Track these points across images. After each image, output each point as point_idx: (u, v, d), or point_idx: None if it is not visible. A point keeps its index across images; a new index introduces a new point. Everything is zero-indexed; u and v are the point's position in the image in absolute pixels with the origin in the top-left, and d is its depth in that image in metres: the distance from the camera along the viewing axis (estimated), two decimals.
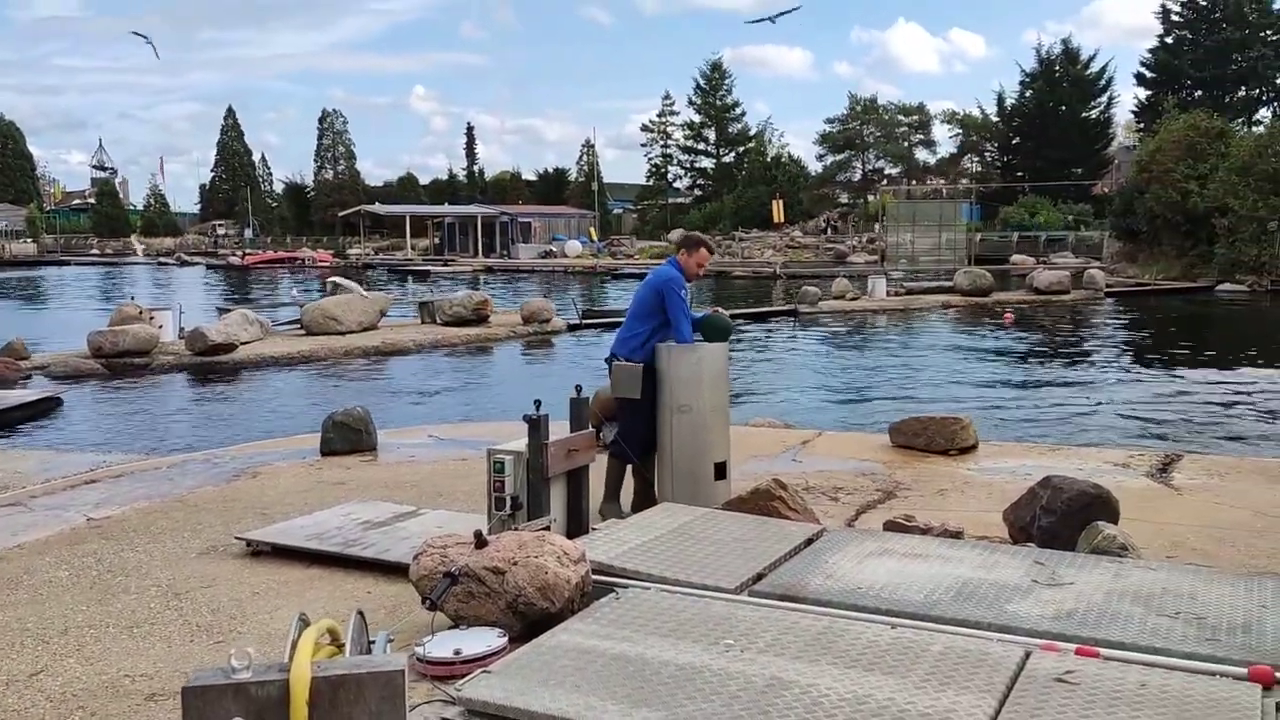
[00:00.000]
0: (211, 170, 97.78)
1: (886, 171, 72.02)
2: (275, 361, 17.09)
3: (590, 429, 5.77)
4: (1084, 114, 60.07)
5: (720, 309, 6.69)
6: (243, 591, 5.08)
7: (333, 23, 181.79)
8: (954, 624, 3.71)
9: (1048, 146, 58.24)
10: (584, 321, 22.88)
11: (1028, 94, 61.13)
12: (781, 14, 57.33)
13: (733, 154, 77.53)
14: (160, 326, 17.55)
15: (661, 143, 79.60)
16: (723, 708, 3.01)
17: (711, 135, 78.40)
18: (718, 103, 77.81)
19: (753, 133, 77.02)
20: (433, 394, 14.90)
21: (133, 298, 24.07)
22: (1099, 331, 23.71)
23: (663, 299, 6.22)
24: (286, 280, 43.49)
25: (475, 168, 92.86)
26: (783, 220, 57.57)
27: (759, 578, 4.31)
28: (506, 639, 3.94)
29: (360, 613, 3.17)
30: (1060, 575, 4.23)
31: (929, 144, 72.00)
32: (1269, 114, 54.02)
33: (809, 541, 4.83)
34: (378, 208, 70.40)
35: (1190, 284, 33.75)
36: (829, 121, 72.32)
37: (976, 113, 67.02)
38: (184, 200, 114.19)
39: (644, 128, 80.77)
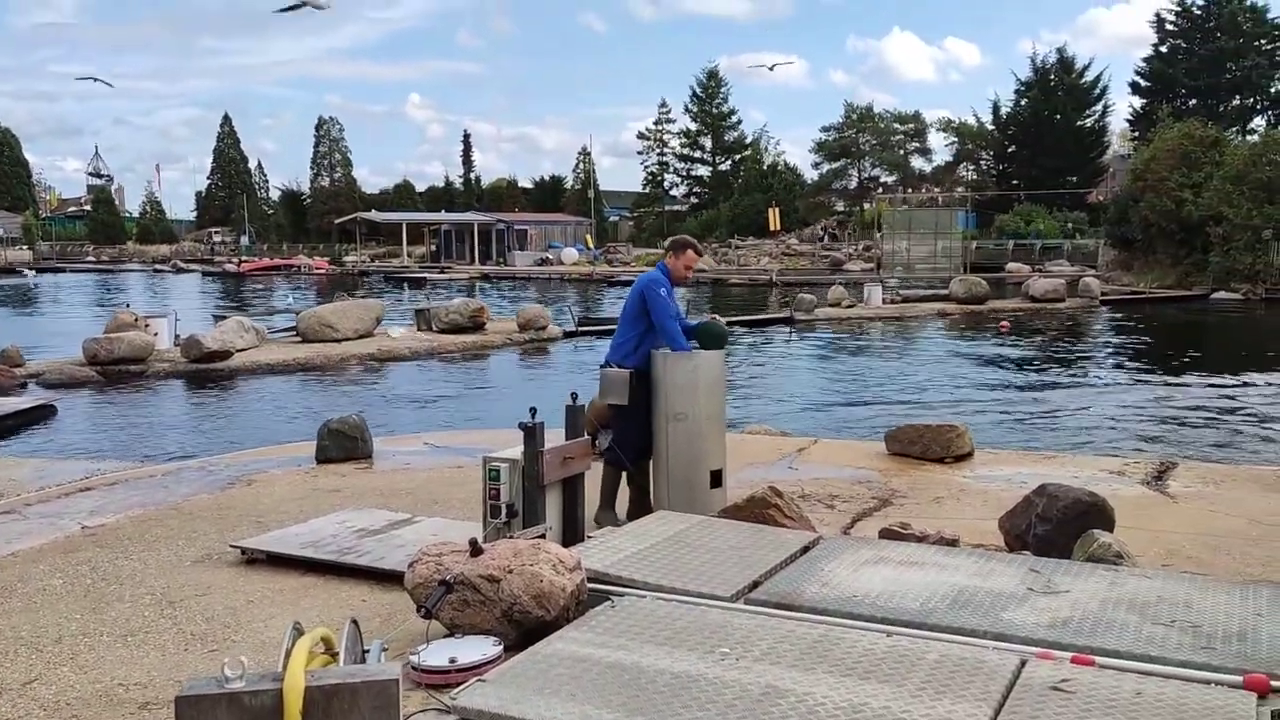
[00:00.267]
0: (208, 177, 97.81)
1: (882, 179, 72.22)
2: (271, 369, 17.08)
3: (586, 436, 5.77)
4: (1079, 122, 60.30)
5: (717, 316, 6.70)
6: (237, 600, 5.07)
7: (330, 30, 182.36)
8: (950, 632, 3.71)
9: (1043, 155, 58.42)
10: (580, 329, 22.89)
11: (1023, 102, 61.34)
12: (776, 65, 61.33)
13: (729, 162, 77.67)
14: (156, 334, 17.53)
15: (658, 150, 79.76)
16: (718, 716, 3.01)
17: (708, 143, 78.53)
18: (714, 111, 77.94)
19: (749, 141, 77.20)
20: (428, 401, 14.89)
21: (128, 305, 24.00)
22: (1094, 339, 23.76)
23: (646, 302, 6.22)
24: (283, 288, 43.44)
25: (472, 175, 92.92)
26: (779, 228, 57.60)
27: (755, 586, 4.30)
28: (502, 647, 3.93)
29: (354, 621, 3.16)
30: (1056, 583, 4.23)
31: (925, 152, 72.27)
32: (1263, 123, 54.19)
33: (805, 549, 4.82)
34: (374, 215, 70.41)
35: (1185, 292, 33.85)
36: (825, 129, 72.55)
37: (972, 121, 67.32)
38: (180, 207, 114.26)
39: (640, 135, 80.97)
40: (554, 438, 5.39)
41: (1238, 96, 56.30)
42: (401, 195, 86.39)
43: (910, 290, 33.51)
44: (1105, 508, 5.34)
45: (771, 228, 57.30)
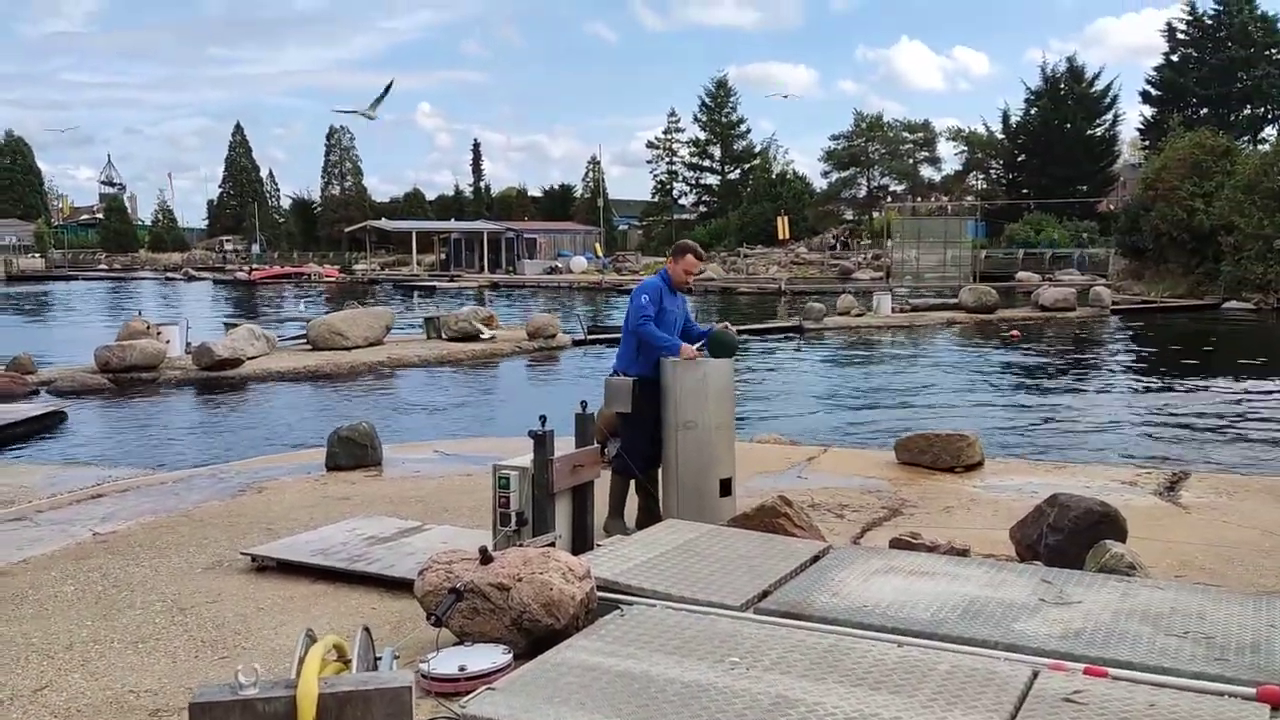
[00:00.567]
0: (219, 186, 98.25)
1: (892, 188, 72.21)
2: (281, 376, 17.12)
3: (595, 445, 5.77)
4: (1089, 131, 60.25)
5: (727, 325, 6.69)
6: (248, 607, 5.07)
7: (340, 40, 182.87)
8: (961, 643, 3.70)
9: (1053, 164, 58.37)
10: (589, 337, 22.91)
11: (1033, 111, 61.33)
12: (789, 95, 63.19)
13: (738, 171, 77.77)
14: (167, 341, 17.58)
15: (667, 160, 79.89)
16: None
17: (717, 152, 78.65)
18: (723, 120, 78.07)
19: (757, 150, 77.30)
20: (438, 409, 14.92)
21: (140, 313, 24.12)
22: (1105, 349, 23.68)
23: None
24: (293, 295, 43.57)
25: (481, 184, 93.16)
26: (788, 237, 57.62)
27: (764, 595, 4.29)
28: (511, 656, 3.93)
29: (366, 629, 3.16)
30: (1068, 594, 4.21)
31: (934, 161, 72.34)
32: (1274, 132, 54.15)
33: (815, 559, 4.81)
34: (384, 223, 70.64)
35: (1196, 301, 33.72)
36: (834, 138, 72.71)
37: (981, 130, 67.29)
38: (192, 216, 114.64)
39: (649, 145, 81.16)
40: (564, 446, 5.40)
41: (1248, 106, 56.19)
42: (411, 204, 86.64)
43: (920, 299, 33.42)
44: (1118, 518, 5.32)
45: (780, 236, 57.33)
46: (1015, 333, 24.82)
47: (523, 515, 5.13)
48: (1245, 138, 51.38)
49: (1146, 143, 56.71)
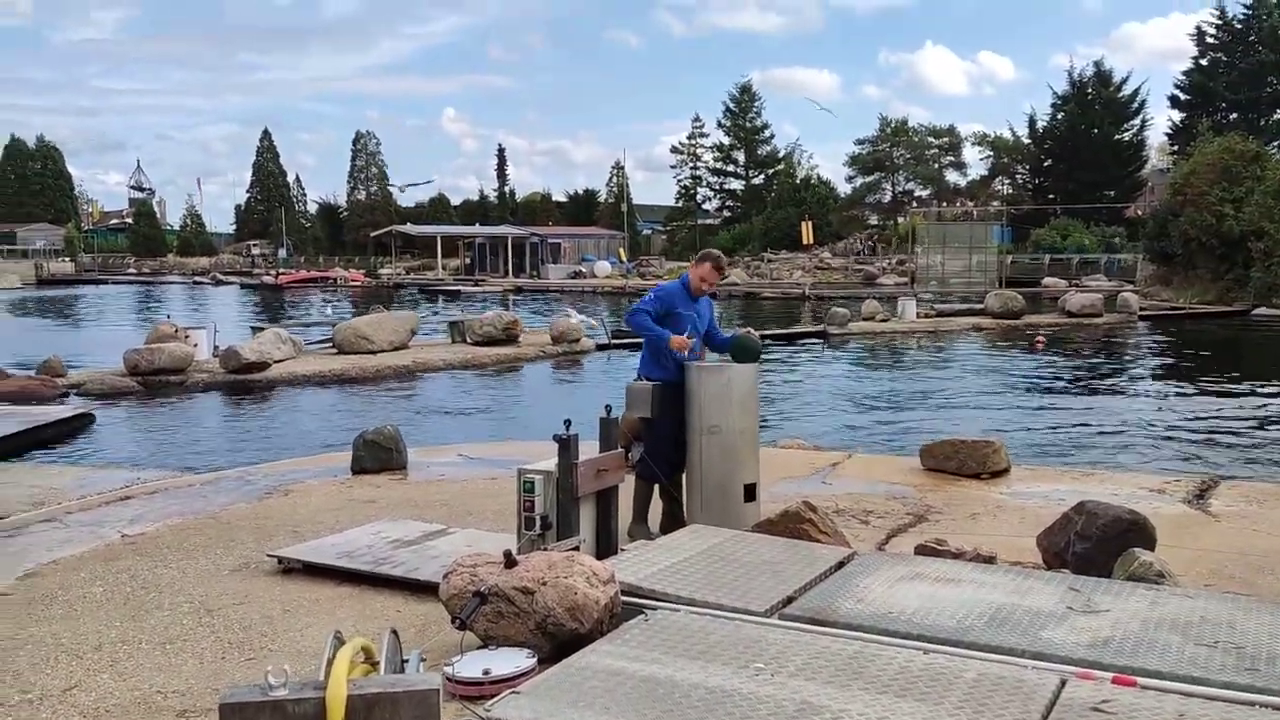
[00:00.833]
0: (247, 191, 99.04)
1: (916, 193, 71.86)
2: (307, 380, 17.23)
3: (620, 449, 5.78)
4: (1117, 136, 59.70)
5: (750, 330, 6.70)
6: (274, 609, 5.11)
7: (367, 46, 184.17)
8: (987, 650, 3.67)
9: (1080, 169, 57.89)
10: (613, 342, 22.92)
11: (1059, 116, 60.85)
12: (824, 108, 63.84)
13: (762, 176, 77.65)
14: (195, 345, 17.74)
15: (691, 165, 79.92)
16: None
17: (741, 157, 78.58)
18: (747, 125, 78.00)
19: (782, 154, 77.15)
20: (462, 413, 14.97)
21: (169, 316, 24.35)
22: (1132, 355, 23.47)
23: None
24: (319, 300, 43.86)
25: (506, 189, 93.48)
26: (812, 242, 57.46)
27: (789, 601, 4.28)
28: (535, 660, 3.94)
29: (394, 631, 3.18)
30: (1096, 602, 4.17)
31: (959, 166, 71.83)
32: None
33: (840, 565, 4.79)
34: (409, 228, 70.97)
35: (1226, 308, 33.33)
36: (859, 143, 72.38)
37: (1007, 135, 66.85)
38: (220, 220, 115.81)
39: (673, 149, 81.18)
40: (588, 450, 5.41)
41: (1279, 110, 55.50)
42: (437, 209, 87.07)
43: (945, 305, 33.26)
44: (1146, 526, 5.27)
45: (804, 241, 57.16)
46: (1041, 339, 24.63)
47: (547, 519, 5.14)
48: (1275, 143, 50.69)
49: (1175, 147, 56.09)
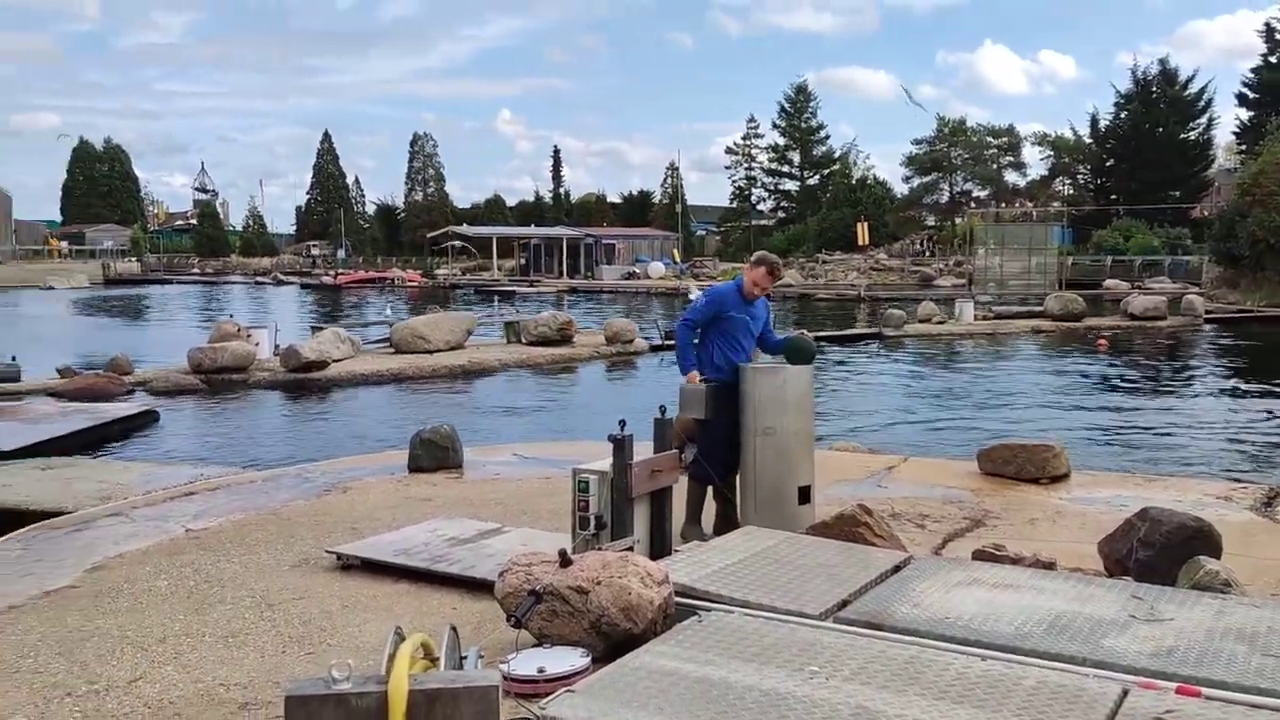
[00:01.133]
0: (307, 192, 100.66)
1: (974, 194, 70.93)
2: (365, 379, 17.46)
3: (674, 450, 5.78)
4: (1182, 135, 58.42)
5: (804, 332, 6.66)
6: (333, 604, 5.19)
7: (424, 50, 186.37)
8: (1047, 658, 3.62)
9: (1143, 168, 56.73)
10: (666, 342, 22.90)
11: (1123, 115, 59.72)
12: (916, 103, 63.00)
13: (817, 176, 77.19)
14: (257, 344, 18.06)
15: (745, 165, 79.72)
16: None
17: (796, 158, 78.19)
18: (802, 125, 77.60)
19: (837, 155, 76.62)
20: (517, 413, 15.07)
21: (231, 316, 24.84)
22: (1198, 359, 22.94)
23: None
24: (378, 299, 44.42)
25: (561, 190, 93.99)
26: (867, 243, 56.99)
27: (844, 604, 4.25)
28: (590, 659, 3.96)
29: (453, 628, 3.22)
30: (1159, 611, 4.09)
31: (1019, 166, 70.82)
32: None
33: (896, 569, 4.75)
34: (465, 229, 71.65)
35: None
36: (916, 143, 71.70)
37: (1068, 134, 65.73)
38: (281, 221, 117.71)
39: (728, 150, 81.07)
40: (642, 451, 5.42)
41: None
42: (492, 210, 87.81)
43: (1003, 307, 32.76)
44: (1212, 533, 5.15)
45: (860, 242, 56.71)
46: (1103, 341, 24.17)
47: (601, 519, 5.16)
48: None
49: (1243, 146, 54.65)
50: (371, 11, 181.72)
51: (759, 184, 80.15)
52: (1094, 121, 62.07)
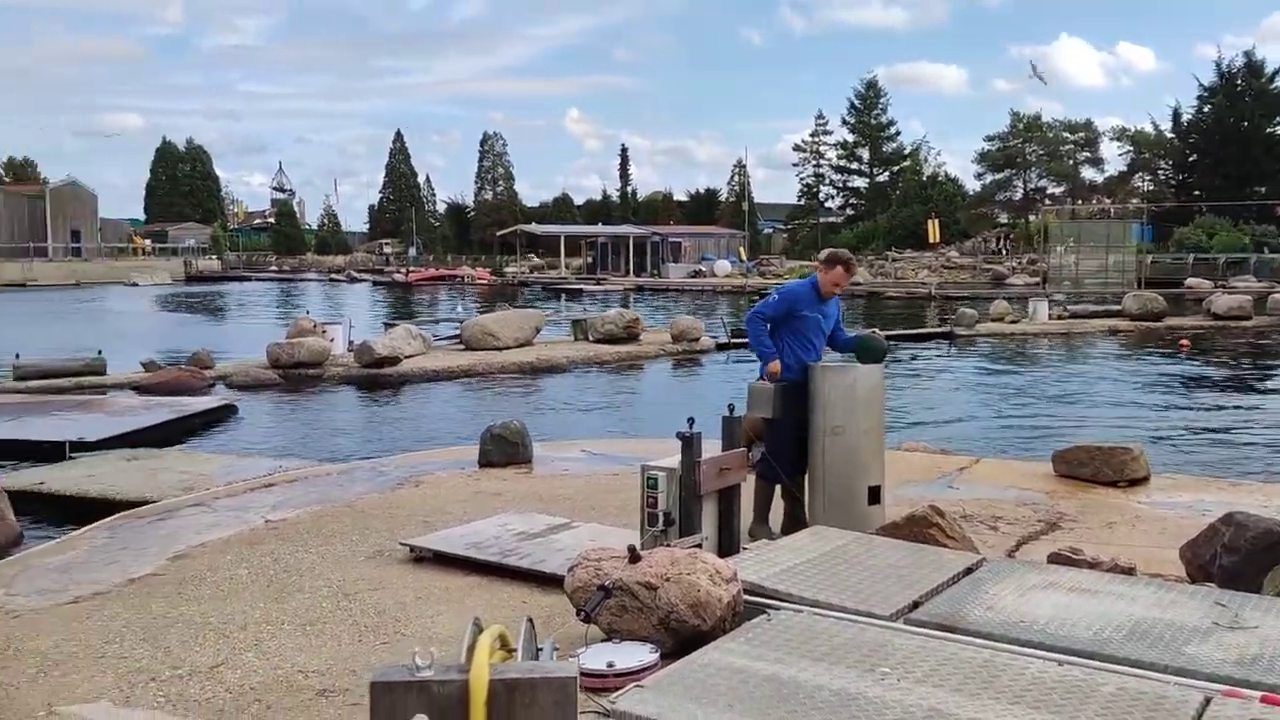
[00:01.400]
0: (380, 191, 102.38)
1: (1050, 190, 69.46)
2: (436, 375, 17.70)
3: (742, 448, 5.77)
4: (1268, 130, 56.58)
5: (875, 330, 6.61)
6: (406, 595, 5.28)
7: (494, 50, 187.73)
8: (1126, 664, 3.55)
9: (1228, 164, 55.10)
10: (732, 340, 22.85)
11: (1206, 109, 58.06)
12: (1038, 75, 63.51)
13: (887, 173, 76.37)
14: (331, 340, 18.39)
15: (814, 162, 79.16)
16: None
17: (865, 154, 77.45)
18: (871, 121, 76.81)
19: (907, 151, 75.64)
20: (585, 409, 15.16)
21: (307, 312, 25.35)
22: None
23: None
24: (447, 298, 44.99)
25: (628, 188, 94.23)
26: (938, 240, 56.20)
27: (915, 606, 4.21)
28: (659, 655, 3.98)
29: (530, 620, 3.27)
30: (1244, 618, 3.98)
31: (1096, 162, 69.18)
32: None
33: (968, 571, 4.69)
34: (534, 228, 72.25)
35: None
36: (989, 139, 70.44)
37: (1148, 129, 64.05)
38: (354, 220, 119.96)
39: (796, 148, 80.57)
40: (711, 449, 5.42)
41: None
42: (560, 208, 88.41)
43: (1079, 306, 32.04)
44: None
45: (930, 240, 55.96)
46: (1185, 342, 23.51)
47: (670, 516, 5.18)
48: None
49: None
50: (442, 13, 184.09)
51: (827, 181, 79.61)
52: (1176, 115, 60.52)
